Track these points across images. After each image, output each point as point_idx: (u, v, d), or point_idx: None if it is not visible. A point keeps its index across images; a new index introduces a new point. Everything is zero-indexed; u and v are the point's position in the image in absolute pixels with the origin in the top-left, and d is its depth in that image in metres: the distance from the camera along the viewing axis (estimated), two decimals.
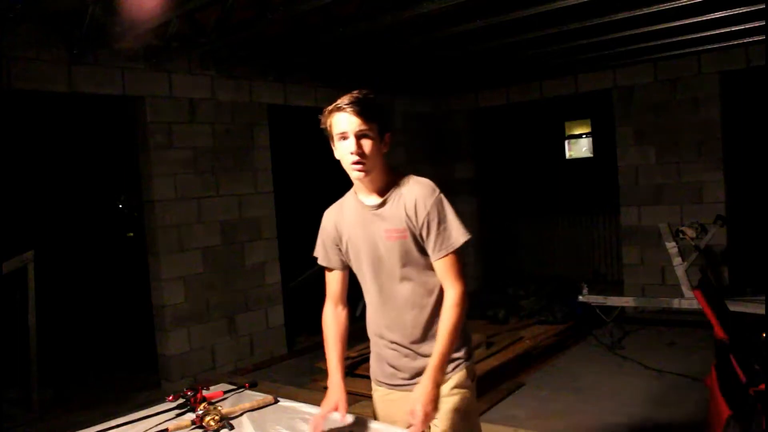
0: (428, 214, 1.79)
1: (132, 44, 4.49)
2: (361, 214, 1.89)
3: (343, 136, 1.79)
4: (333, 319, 2.04)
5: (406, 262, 1.84)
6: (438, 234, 1.79)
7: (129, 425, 1.91)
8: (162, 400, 2.07)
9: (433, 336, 1.83)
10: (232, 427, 1.82)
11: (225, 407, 1.95)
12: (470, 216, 7.92)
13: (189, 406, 1.97)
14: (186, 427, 1.85)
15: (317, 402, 2.03)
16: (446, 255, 1.80)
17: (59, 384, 5.07)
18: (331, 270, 2.04)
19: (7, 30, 3.80)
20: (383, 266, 1.87)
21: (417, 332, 1.88)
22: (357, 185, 1.91)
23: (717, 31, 5.00)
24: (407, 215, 1.81)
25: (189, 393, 2.01)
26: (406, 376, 1.91)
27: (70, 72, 4.32)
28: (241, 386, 2.19)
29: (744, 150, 6.34)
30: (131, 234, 7.93)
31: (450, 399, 1.87)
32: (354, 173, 1.81)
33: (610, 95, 6.67)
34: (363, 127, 1.77)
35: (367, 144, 1.77)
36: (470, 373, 1.94)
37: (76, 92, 4.40)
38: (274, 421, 1.89)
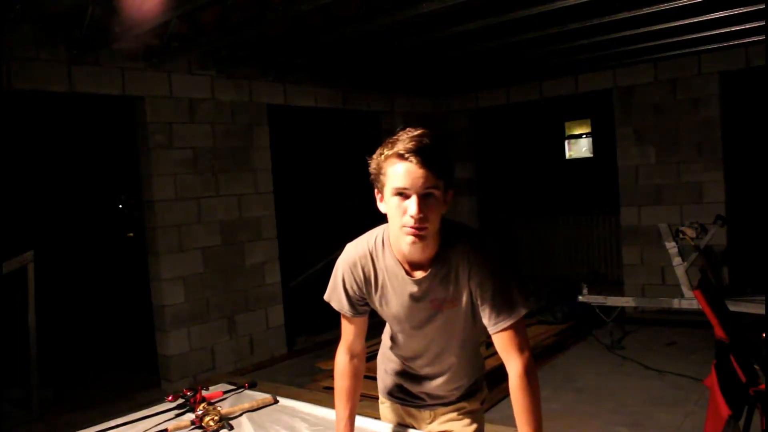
0: (482, 280, 1.52)
1: (132, 44, 4.49)
2: (402, 278, 1.59)
3: (403, 193, 1.45)
4: (347, 370, 1.76)
5: (451, 332, 1.66)
6: (495, 304, 1.52)
7: (129, 425, 1.91)
8: (162, 400, 2.08)
9: (455, 387, 1.78)
10: (231, 428, 1.82)
11: (225, 407, 1.95)
12: (470, 216, 7.93)
13: (188, 407, 1.97)
14: (185, 427, 1.85)
15: (317, 402, 2.03)
16: (507, 328, 1.53)
17: (59, 384, 5.07)
18: (347, 318, 1.74)
19: (7, 30, 3.80)
20: (424, 334, 1.67)
21: (442, 386, 1.80)
22: (394, 241, 1.57)
23: (717, 31, 5.00)
24: (454, 279, 1.56)
25: (188, 393, 2.01)
26: (419, 403, 1.86)
27: (70, 72, 4.32)
28: (240, 386, 2.19)
29: (744, 150, 6.34)
30: (131, 234, 7.93)
31: (459, 422, 1.83)
32: (407, 238, 1.47)
33: (610, 95, 6.67)
34: (430, 184, 1.42)
35: (431, 205, 1.44)
36: (480, 400, 1.90)
37: (76, 92, 4.40)
38: (274, 421, 1.89)
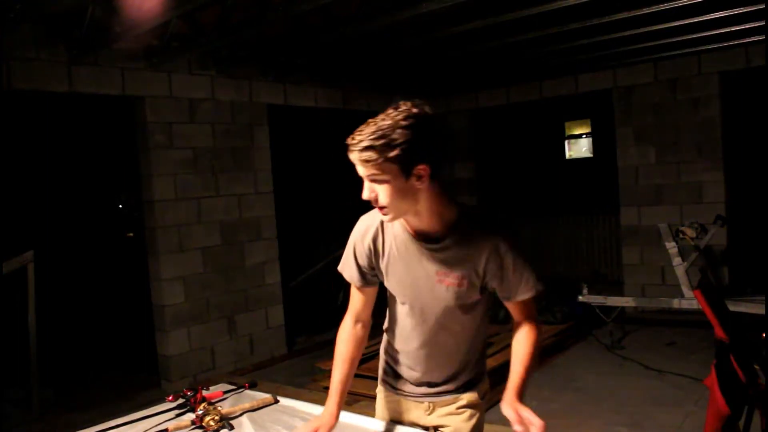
0: (503, 260, 1.60)
1: (132, 44, 4.49)
2: (410, 245, 1.64)
3: (362, 178, 1.52)
4: (349, 336, 1.81)
5: (452, 309, 1.67)
6: (517, 277, 1.62)
7: (129, 425, 1.90)
8: (162, 400, 2.07)
9: (452, 374, 1.78)
10: (232, 427, 1.82)
11: (225, 407, 1.95)
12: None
13: (189, 406, 1.97)
14: (186, 427, 1.85)
15: (317, 402, 2.03)
16: (528, 297, 1.64)
17: (59, 384, 5.07)
18: (356, 288, 1.81)
19: (7, 30, 3.80)
20: (426, 305, 1.70)
21: (443, 370, 1.80)
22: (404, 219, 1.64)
23: (717, 31, 5.00)
24: (473, 265, 1.60)
25: (189, 393, 2.01)
26: (415, 390, 1.86)
27: (70, 72, 4.32)
28: (241, 386, 2.19)
29: (744, 150, 6.34)
30: (131, 234, 7.93)
31: (458, 416, 1.83)
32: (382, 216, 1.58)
33: (610, 95, 6.67)
34: (371, 172, 1.47)
35: (381, 189, 1.49)
36: (481, 393, 1.89)
37: (76, 92, 4.40)
38: (274, 421, 1.89)
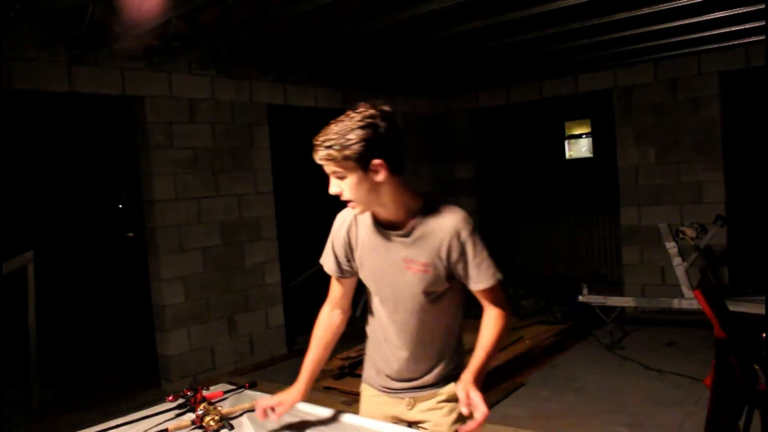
0: (464, 246, 1.70)
1: (132, 44, 4.49)
2: (379, 235, 1.76)
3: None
4: (325, 321, 1.95)
5: (420, 296, 1.75)
6: (477, 265, 1.71)
7: (129, 425, 1.90)
8: (162, 400, 2.07)
9: (431, 367, 1.82)
10: (232, 427, 1.82)
11: (225, 407, 1.95)
12: (470, 216, 7.91)
13: (189, 406, 1.97)
14: (186, 427, 1.85)
15: (317, 402, 2.03)
16: (490, 285, 1.73)
17: (59, 384, 5.07)
18: (336, 278, 1.93)
19: (7, 30, 3.80)
20: (396, 293, 1.78)
21: (421, 363, 1.84)
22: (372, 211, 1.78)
23: (717, 31, 5.00)
24: (437, 250, 1.70)
25: (189, 393, 2.00)
26: (396, 386, 1.89)
27: (70, 72, 4.32)
28: (241, 386, 2.18)
29: (744, 150, 6.34)
30: (131, 234, 7.93)
31: (437, 411, 1.86)
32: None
33: (610, 95, 6.66)
34: (334, 169, 1.62)
35: (344, 185, 1.63)
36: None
37: (76, 92, 4.40)
38: (274, 421, 1.88)
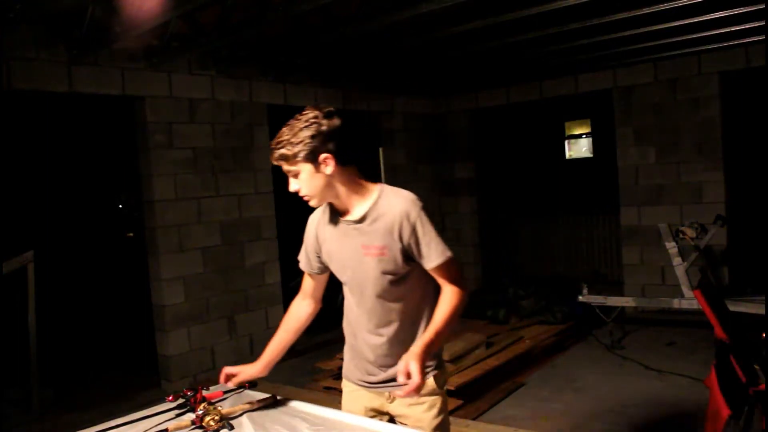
0: (414, 226, 1.80)
1: (132, 44, 4.49)
2: (340, 226, 1.90)
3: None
4: (294, 309, 2.13)
5: (381, 278, 1.84)
6: (427, 244, 1.81)
7: (129, 425, 1.90)
8: (162, 400, 2.07)
9: (400, 352, 1.82)
10: (232, 427, 1.82)
11: (225, 407, 1.95)
12: (470, 216, 7.93)
13: (189, 407, 1.97)
14: (186, 427, 1.85)
15: (317, 402, 2.03)
16: (446, 259, 1.82)
17: (59, 384, 5.07)
18: (309, 274, 2.09)
19: (7, 30, 3.80)
20: (360, 279, 1.89)
21: (393, 347, 1.89)
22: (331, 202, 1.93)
23: (717, 31, 5.00)
24: (389, 232, 1.80)
25: (189, 393, 2.01)
26: (373, 379, 1.95)
27: (70, 72, 4.32)
28: (241, 386, 2.18)
29: (744, 150, 6.34)
30: (131, 234, 7.94)
31: (418, 407, 1.91)
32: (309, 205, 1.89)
33: (610, 95, 6.66)
34: (288, 168, 1.79)
35: (301, 180, 1.80)
36: (439, 381, 1.95)
37: (76, 92, 4.40)
38: (274, 421, 1.89)
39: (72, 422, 3.84)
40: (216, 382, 2.15)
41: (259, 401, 2.03)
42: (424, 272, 1.86)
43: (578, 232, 8.63)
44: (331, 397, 4.30)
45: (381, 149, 7.40)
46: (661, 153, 6.35)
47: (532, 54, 5.64)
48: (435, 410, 1.92)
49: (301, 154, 1.75)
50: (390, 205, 1.82)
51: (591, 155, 9.11)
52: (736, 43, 5.47)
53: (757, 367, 2.49)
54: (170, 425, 1.84)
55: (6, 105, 4.26)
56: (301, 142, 1.74)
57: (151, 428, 1.85)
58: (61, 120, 6.64)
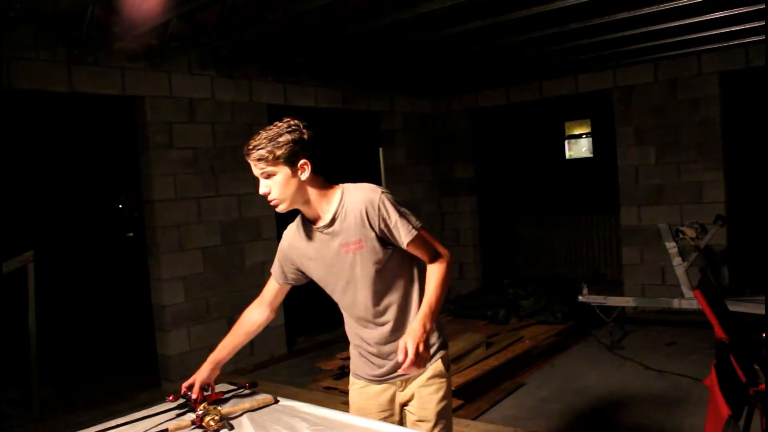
0: (379, 211, 1.85)
1: (132, 44, 4.49)
2: (314, 236, 1.95)
3: (257, 179, 1.88)
4: (249, 315, 2.18)
5: (367, 269, 1.89)
6: (395, 225, 1.86)
7: (129, 425, 1.91)
8: (162, 400, 2.07)
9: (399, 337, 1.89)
10: (232, 427, 1.82)
11: (225, 407, 1.95)
12: (470, 216, 7.92)
13: (189, 407, 1.97)
14: (186, 427, 1.85)
15: (317, 402, 2.03)
16: (416, 234, 1.87)
17: (59, 384, 5.07)
18: (275, 282, 2.13)
19: (7, 30, 3.80)
20: (348, 278, 1.92)
21: (395, 333, 1.94)
22: (300, 211, 1.96)
23: (717, 31, 5.00)
24: (360, 224, 1.86)
25: (189, 393, 2.01)
26: (382, 371, 1.99)
27: (70, 72, 4.32)
28: (241, 386, 2.19)
29: (744, 150, 6.34)
30: (131, 234, 7.94)
31: (426, 389, 1.98)
32: (276, 210, 1.90)
33: (610, 95, 6.66)
34: (264, 169, 1.82)
35: (274, 182, 1.83)
36: (446, 363, 2.03)
37: (76, 92, 4.40)
38: (274, 421, 1.89)
39: (72, 422, 3.85)
40: (216, 381, 2.15)
41: (259, 401, 2.03)
42: (405, 253, 1.91)
43: (578, 232, 8.63)
44: (331, 397, 4.31)
45: (381, 149, 7.40)
46: (661, 153, 6.35)
47: (532, 54, 5.64)
48: (441, 393, 1.98)
49: (283, 157, 1.80)
50: (354, 200, 1.88)
51: (591, 155, 9.09)
52: (736, 43, 5.47)
53: (757, 367, 2.49)
54: (170, 425, 1.84)
55: (6, 105, 4.26)
56: (285, 144, 1.79)
57: (151, 428, 1.86)
58: (61, 120, 6.63)
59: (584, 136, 9.25)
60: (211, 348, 2.14)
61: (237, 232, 5.45)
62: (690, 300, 5.09)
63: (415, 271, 1.97)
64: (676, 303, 5.31)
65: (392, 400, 2.01)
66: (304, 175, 1.83)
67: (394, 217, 1.85)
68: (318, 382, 4.75)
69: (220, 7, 3.99)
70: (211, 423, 1.81)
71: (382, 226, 1.85)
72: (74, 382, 5.25)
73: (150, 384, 4.97)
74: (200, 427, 1.82)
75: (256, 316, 2.17)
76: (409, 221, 1.87)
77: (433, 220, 7.80)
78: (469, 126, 7.96)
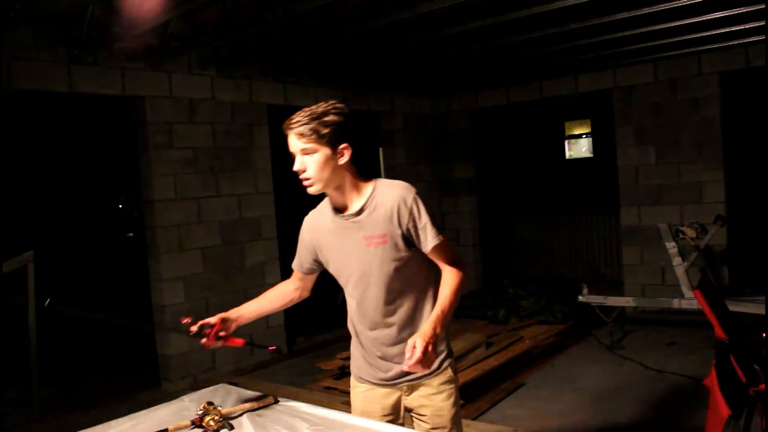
0: (411, 211, 1.85)
1: (132, 44, 4.49)
2: (338, 223, 1.92)
3: (292, 155, 1.84)
4: (283, 286, 2.19)
5: (386, 266, 1.87)
6: (423, 228, 1.86)
7: (129, 425, 1.90)
8: (162, 400, 2.07)
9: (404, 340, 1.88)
10: (232, 427, 1.82)
11: (225, 407, 1.95)
12: (470, 216, 7.92)
13: (204, 336, 1.97)
14: (186, 427, 1.85)
15: (317, 402, 2.03)
16: (442, 240, 1.87)
17: (59, 384, 5.07)
18: (300, 272, 2.14)
19: (7, 30, 3.80)
20: (365, 271, 1.90)
21: (402, 334, 1.92)
22: (328, 196, 1.95)
23: (717, 31, 5.00)
24: (389, 220, 1.85)
25: (205, 325, 1.99)
26: (388, 375, 1.97)
27: (70, 72, 4.32)
28: (277, 351, 2.26)
29: (744, 150, 6.34)
30: (131, 234, 7.94)
31: (439, 395, 1.96)
32: (306, 189, 1.87)
33: (610, 95, 6.66)
34: (305, 146, 1.79)
35: (311, 161, 1.80)
36: (454, 369, 2.03)
37: (76, 92, 4.40)
38: (274, 421, 1.89)
39: (72, 422, 3.84)
40: (216, 382, 2.15)
41: (259, 401, 2.03)
42: (424, 258, 1.91)
43: (578, 232, 8.63)
44: (331, 397, 4.31)
45: (381, 149, 7.40)
46: (661, 153, 6.35)
47: (532, 54, 5.64)
48: (453, 399, 1.98)
49: (327, 137, 1.77)
50: (386, 194, 1.87)
51: (591, 155, 9.09)
52: (736, 43, 5.47)
53: (757, 367, 2.49)
54: (170, 425, 1.84)
55: (6, 105, 4.26)
56: (331, 124, 1.77)
57: (151, 428, 1.86)
58: (61, 120, 6.63)
59: (584, 136, 9.25)
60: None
61: (237, 232, 5.45)
62: (690, 300, 5.08)
63: (430, 281, 1.96)
64: (676, 303, 5.31)
65: (397, 404, 2.00)
66: (343, 159, 1.82)
67: (424, 219, 1.86)
68: (318, 382, 4.75)
69: (220, 7, 3.99)
70: (211, 423, 1.81)
71: (410, 225, 1.85)
72: (74, 382, 5.25)
73: (150, 384, 4.97)
74: (200, 427, 1.82)
75: (290, 288, 2.17)
76: (435, 226, 1.87)
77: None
78: (469, 126, 7.96)
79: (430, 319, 1.79)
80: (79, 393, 4.97)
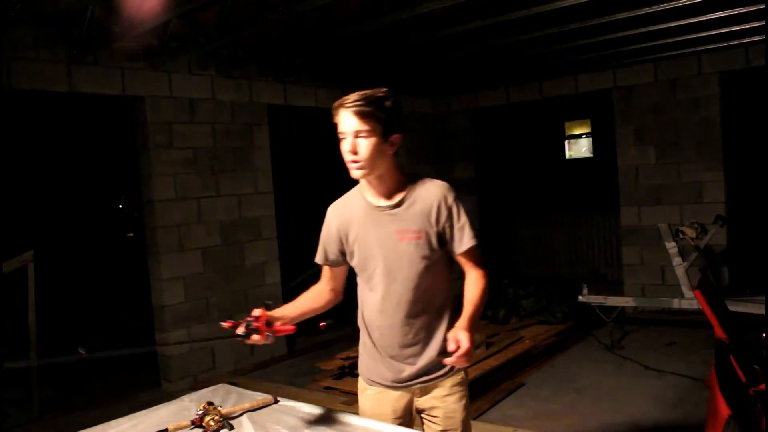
0: (450, 210, 1.85)
1: (132, 44, 4.49)
2: (371, 214, 1.88)
3: (343, 135, 1.79)
4: (317, 289, 2.08)
5: (416, 263, 1.84)
6: (460, 228, 1.86)
7: (129, 425, 1.90)
8: (162, 400, 2.07)
9: (429, 341, 1.89)
10: (232, 427, 1.82)
11: (225, 407, 1.95)
12: (470, 216, 7.88)
13: (253, 331, 1.94)
14: (186, 427, 1.85)
15: (317, 402, 2.03)
16: (471, 246, 1.88)
17: (59, 384, 5.07)
18: (327, 266, 2.05)
19: (7, 30, 3.80)
20: (392, 266, 1.86)
21: (419, 335, 1.90)
22: (364, 185, 1.90)
23: (717, 31, 5.00)
24: (426, 217, 1.83)
25: (250, 319, 1.98)
26: (402, 376, 1.93)
27: (70, 72, 4.32)
28: (317, 327, 2.16)
29: (744, 150, 6.34)
30: (131, 234, 7.94)
31: (451, 397, 1.94)
32: (351, 172, 1.81)
33: (610, 95, 6.66)
34: (361, 127, 1.75)
35: (364, 144, 1.76)
36: (465, 371, 2.01)
37: (76, 92, 4.40)
38: (274, 421, 1.89)
39: (72, 422, 3.83)
40: (216, 382, 2.14)
41: (259, 401, 2.03)
42: (447, 264, 1.91)
43: (578, 232, 8.63)
44: (331, 397, 4.31)
45: None
46: (661, 153, 6.35)
47: (532, 54, 5.64)
48: (465, 401, 1.97)
49: (384, 119, 1.76)
50: (426, 190, 1.86)
51: (591, 155, 9.09)
52: (736, 43, 5.47)
53: (757, 367, 2.48)
54: (170, 425, 1.84)
55: (6, 105, 4.26)
56: (389, 110, 1.77)
57: (151, 428, 1.85)
58: (61, 120, 6.63)
59: (584, 136, 9.25)
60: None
61: (237, 232, 5.45)
62: (690, 300, 5.08)
63: (450, 290, 1.95)
64: (676, 303, 5.31)
65: (409, 406, 1.96)
66: (391, 149, 1.81)
67: (462, 220, 1.86)
68: (318, 382, 4.75)
69: (220, 7, 3.99)
70: (211, 423, 1.81)
71: (447, 225, 1.85)
72: (74, 381, 5.25)
73: (150, 384, 4.97)
74: (200, 427, 1.82)
75: (324, 292, 2.07)
76: (472, 229, 1.88)
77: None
78: (469, 126, 7.96)
79: (464, 316, 1.77)
80: (79, 393, 4.97)
